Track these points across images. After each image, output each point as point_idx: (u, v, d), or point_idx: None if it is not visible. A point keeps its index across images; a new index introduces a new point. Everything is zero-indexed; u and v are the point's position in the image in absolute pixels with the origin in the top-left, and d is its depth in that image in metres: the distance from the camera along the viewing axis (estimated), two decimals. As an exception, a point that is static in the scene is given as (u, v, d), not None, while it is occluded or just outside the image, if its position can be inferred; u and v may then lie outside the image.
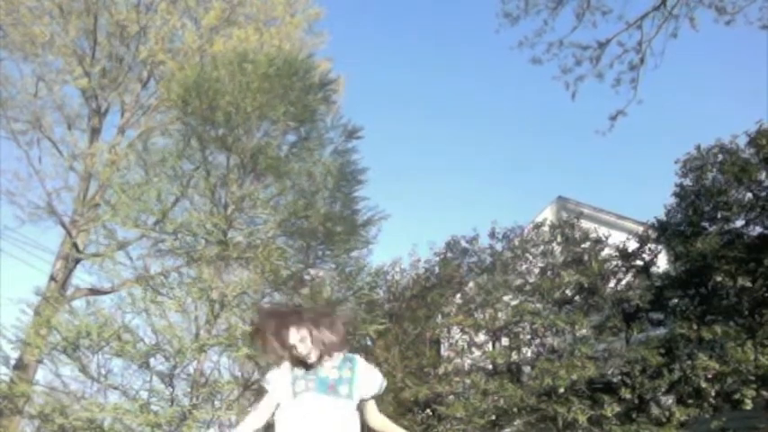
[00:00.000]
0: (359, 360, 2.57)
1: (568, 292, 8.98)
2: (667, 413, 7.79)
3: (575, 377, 7.80)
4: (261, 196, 6.77)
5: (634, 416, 7.90)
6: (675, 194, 9.25)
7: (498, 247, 9.83)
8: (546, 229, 9.70)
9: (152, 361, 6.15)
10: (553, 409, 7.85)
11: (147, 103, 12.11)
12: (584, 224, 9.99)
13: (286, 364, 2.56)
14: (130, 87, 11.98)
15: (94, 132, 11.82)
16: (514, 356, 8.96)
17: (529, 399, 7.96)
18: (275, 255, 6.36)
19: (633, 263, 9.17)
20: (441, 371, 8.84)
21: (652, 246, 9.21)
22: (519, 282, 9.29)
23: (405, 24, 39.76)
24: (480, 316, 9.11)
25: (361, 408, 2.52)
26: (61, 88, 11.77)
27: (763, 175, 8.50)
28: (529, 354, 9.03)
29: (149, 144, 7.05)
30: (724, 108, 32.35)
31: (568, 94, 8.00)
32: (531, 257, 9.48)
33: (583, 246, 9.28)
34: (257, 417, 2.55)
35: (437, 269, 9.89)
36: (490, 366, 8.96)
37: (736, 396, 7.41)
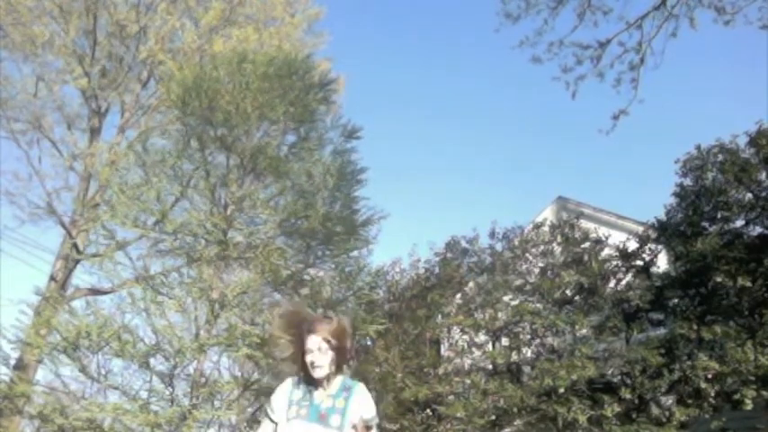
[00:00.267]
0: (357, 390, 2.51)
1: (568, 292, 8.98)
2: (667, 413, 7.80)
3: (575, 377, 7.80)
4: (261, 196, 6.77)
5: (634, 416, 7.90)
6: (675, 194, 9.26)
7: (498, 247, 9.84)
8: (546, 229, 9.70)
9: (152, 361, 6.15)
10: (553, 409, 7.85)
11: (147, 103, 12.10)
12: (585, 224, 10.00)
13: (286, 385, 2.54)
14: (130, 87, 11.97)
15: (94, 132, 11.82)
16: (514, 356, 8.96)
17: (529, 399, 7.96)
18: (275, 255, 6.36)
19: (633, 263, 9.17)
20: (441, 371, 8.83)
21: (652, 246, 9.22)
22: (519, 282, 9.29)
23: (405, 24, 39.79)
24: (480, 316, 9.11)
25: None
26: (61, 88, 11.78)
27: (763, 175, 8.50)
28: (529, 354, 9.03)
29: (148, 144, 7.03)
30: (724, 108, 32.37)
31: (568, 94, 7.99)
32: (531, 257, 9.48)
33: (583, 246, 9.28)
34: None
35: (437, 269, 9.89)
36: (490, 366, 8.96)
37: (736, 396, 7.41)
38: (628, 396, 7.85)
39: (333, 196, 6.98)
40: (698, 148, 9.09)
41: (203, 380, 6.39)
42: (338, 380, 2.51)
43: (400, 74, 40.31)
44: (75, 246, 10.67)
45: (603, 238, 9.37)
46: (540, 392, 8.02)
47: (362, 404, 2.49)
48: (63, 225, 11.19)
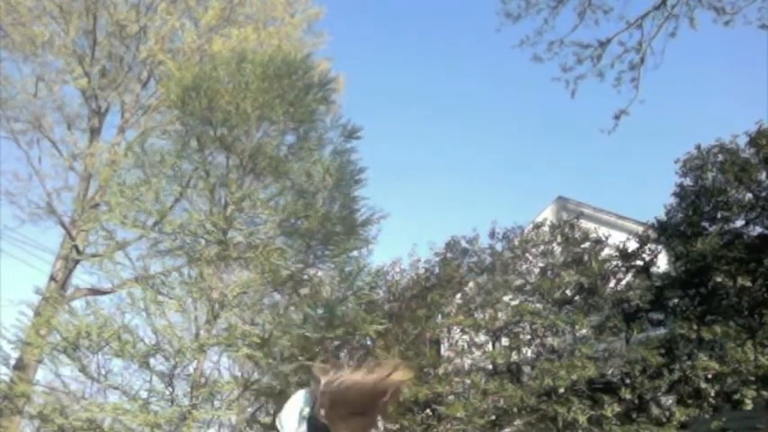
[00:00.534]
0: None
1: (568, 293, 8.97)
2: (667, 413, 7.79)
3: (575, 377, 7.79)
4: (260, 196, 6.77)
5: (634, 416, 7.90)
6: (675, 194, 9.26)
7: (498, 247, 9.83)
8: (546, 229, 9.69)
9: (152, 361, 6.15)
10: (553, 409, 7.84)
11: (147, 103, 12.10)
12: (585, 224, 9.99)
13: (297, 400, 2.44)
14: (130, 87, 11.98)
15: (94, 132, 11.82)
16: (514, 356, 8.95)
17: (529, 399, 7.96)
18: (275, 255, 6.36)
19: (633, 263, 9.16)
20: (441, 371, 8.83)
21: (652, 246, 9.21)
22: (519, 282, 9.28)
23: (405, 24, 39.77)
24: (480, 316, 9.10)
25: None
26: (61, 88, 11.79)
27: (763, 175, 8.50)
28: (529, 354, 9.02)
29: (147, 144, 7.03)
30: (724, 108, 32.35)
31: (568, 94, 7.99)
32: (531, 257, 9.47)
33: (583, 246, 9.28)
34: None
35: (437, 269, 9.88)
36: (490, 366, 8.96)
37: (736, 396, 7.41)
38: (628, 396, 7.84)
39: (332, 196, 6.99)
40: (698, 148, 9.08)
41: (203, 380, 6.39)
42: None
43: (400, 74, 40.33)
44: (75, 246, 10.67)
45: (603, 238, 9.36)
46: (540, 392, 8.02)
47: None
48: (63, 225, 11.19)
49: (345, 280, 6.85)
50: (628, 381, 8.04)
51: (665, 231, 9.11)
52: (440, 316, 9.34)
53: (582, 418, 7.66)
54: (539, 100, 40.83)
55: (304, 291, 6.94)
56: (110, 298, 7.57)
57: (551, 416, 7.91)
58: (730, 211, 8.56)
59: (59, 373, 6.38)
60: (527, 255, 9.48)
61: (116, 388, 6.25)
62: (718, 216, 8.68)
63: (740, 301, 8.13)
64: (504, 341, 9.25)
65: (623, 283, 9.01)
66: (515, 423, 8.35)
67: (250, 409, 7.29)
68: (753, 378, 7.40)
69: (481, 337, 9.22)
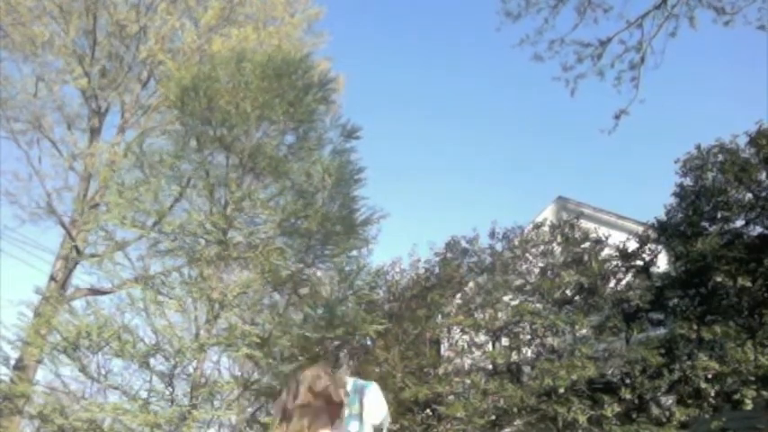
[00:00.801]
0: (370, 390, 2.52)
1: (568, 293, 8.97)
2: (667, 413, 7.79)
3: (575, 377, 7.79)
4: (260, 196, 6.76)
5: (634, 416, 7.90)
6: (675, 194, 9.26)
7: (498, 247, 9.83)
8: (546, 229, 9.70)
9: (152, 361, 6.14)
10: (553, 409, 7.84)
11: (147, 103, 12.10)
12: (585, 224, 9.99)
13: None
14: (130, 87, 11.98)
15: (94, 132, 11.82)
16: (514, 356, 8.95)
17: (529, 399, 7.96)
18: (275, 255, 6.36)
19: (633, 263, 9.16)
20: (441, 371, 8.83)
21: (652, 246, 9.21)
22: (519, 282, 9.28)
23: (405, 24, 39.77)
24: (480, 316, 9.10)
25: None
26: (61, 88, 11.78)
27: (763, 175, 8.50)
28: (529, 354, 9.02)
29: (147, 144, 7.03)
30: (724, 108, 32.36)
31: (568, 93, 7.98)
32: (531, 257, 9.47)
33: (583, 246, 9.28)
34: None
35: (437, 269, 9.88)
36: (490, 366, 8.96)
37: (736, 396, 7.40)
38: (628, 396, 7.84)
39: (332, 196, 6.98)
40: (698, 148, 9.08)
41: (203, 380, 6.38)
42: (350, 383, 2.52)
43: (400, 74, 40.34)
44: (75, 246, 10.68)
45: (603, 238, 9.36)
46: (540, 392, 8.02)
47: (375, 405, 2.50)
48: (63, 225, 11.19)
49: (345, 280, 6.85)
50: (628, 381, 8.04)
51: (665, 231, 9.11)
52: (440, 316, 9.34)
53: (582, 418, 7.66)
54: (539, 100, 40.87)
55: (304, 291, 6.94)
56: (110, 298, 7.57)
57: (551, 416, 7.91)
58: (730, 211, 8.56)
59: (59, 373, 6.37)
60: (527, 255, 9.48)
61: (116, 388, 6.24)
62: (718, 216, 8.67)
63: (740, 301, 8.13)
64: (504, 341, 9.24)
65: (623, 283, 9.01)
66: (515, 423, 8.35)
67: (250, 409, 7.28)
68: (753, 378, 7.40)
69: (481, 337, 9.22)
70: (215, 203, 6.76)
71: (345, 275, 6.85)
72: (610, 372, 8.39)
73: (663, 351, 7.89)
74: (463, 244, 10.06)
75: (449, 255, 10.02)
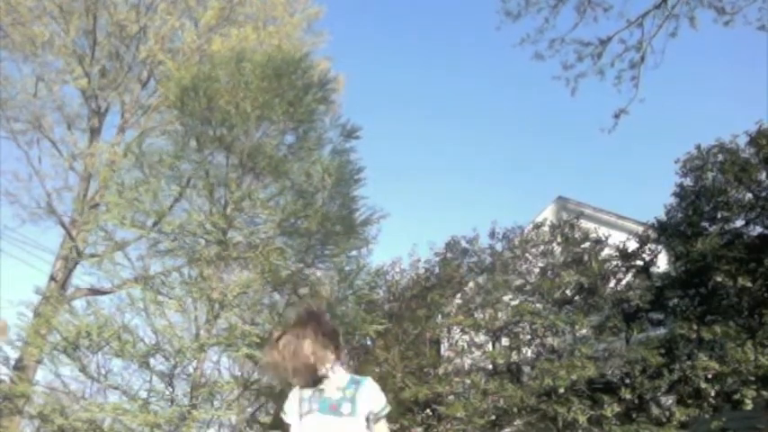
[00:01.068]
0: (366, 382, 2.59)
1: (568, 293, 8.97)
2: (667, 413, 7.79)
3: (575, 377, 7.79)
4: (260, 196, 6.76)
5: (634, 416, 7.89)
6: (675, 194, 9.25)
7: (498, 247, 9.82)
8: (546, 229, 9.69)
9: (152, 361, 6.14)
10: (553, 409, 7.84)
11: (147, 103, 12.11)
12: (585, 224, 9.98)
13: (294, 390, 2.59)
14: (130, 87, 11.98)
15: (94, 132, 11.83)
16: (514, 356, 8.94)
17: (529, 399, 7.95)
18: (275, 254, 6.36)
19: (633, 263, 9.16)
20: (441, 371, 8.82)
21: (652, 246, 9.21)
22: (519, 282, 9.27)
23: (405, 24, 39.77)
24: (480, 316, 9.09)
25: (369, 427, 2.53)
26: (61, 88, 11.79)
27: (763, 175, 8.49)
28: (529, 354, 9.01)
29: (146, 144, 7.03)
30: (724, 108, 32.37)
31: (568, 93, 8.00)
32: (531, 257, 9.47)
33: (583, 246, 9.27)
34: None
35: (437, 269, 9.87)
36: (490, 366, 8.95)
37: (736, 396, 7.40)
38: (628, 396, 7.84)
39: (332, 196, 6.98)
40: (698, 148, 9.08)
41: (203, 380, 6.38)
42: (347, 376, 2.59)
43: (400, 74, 40.36)
44: (75, 246, 10.68)
45: (603, 238, 9.36)
46: (540, 392, 8.01)
47: (372, 395, 2.56)
48: (63, 225, 11.20)
49: (345, 280, 6.85)
50: (628, 381, 8.04)
51: (665, 231, 9.11)
52: (440, 316, 9.34)
53: (582, 418, 7.66)
54: (539, 100, 40.89)
55: (304, 291, 6.93)
56: (110, 298, 7.57)
57: (551, 416, 7.91)
58: (730, 211, 8.56)
59: (59, 373, 6.38)
60: (527, 255, 9.47)
61: (116, 388, 6.24)
62: (718, 216, 8.67)
63: (740, 301, 8.13)
64: (504, 341, 9.24)
65: (623, 283, 9.00)
66: (515, 423, 8.34)
67: (250, 409, 7.28)
68: (753, 378, 7.40)
69: (481, 337, 9.21)
70: (215, 203, 6.76)
71: (345, 275, 6.85)
72: (610, 372, 8.38)
73: (663, 351, 7.88)
74: (463, 244, 10.06)
75: (449, 255, 10.01)
